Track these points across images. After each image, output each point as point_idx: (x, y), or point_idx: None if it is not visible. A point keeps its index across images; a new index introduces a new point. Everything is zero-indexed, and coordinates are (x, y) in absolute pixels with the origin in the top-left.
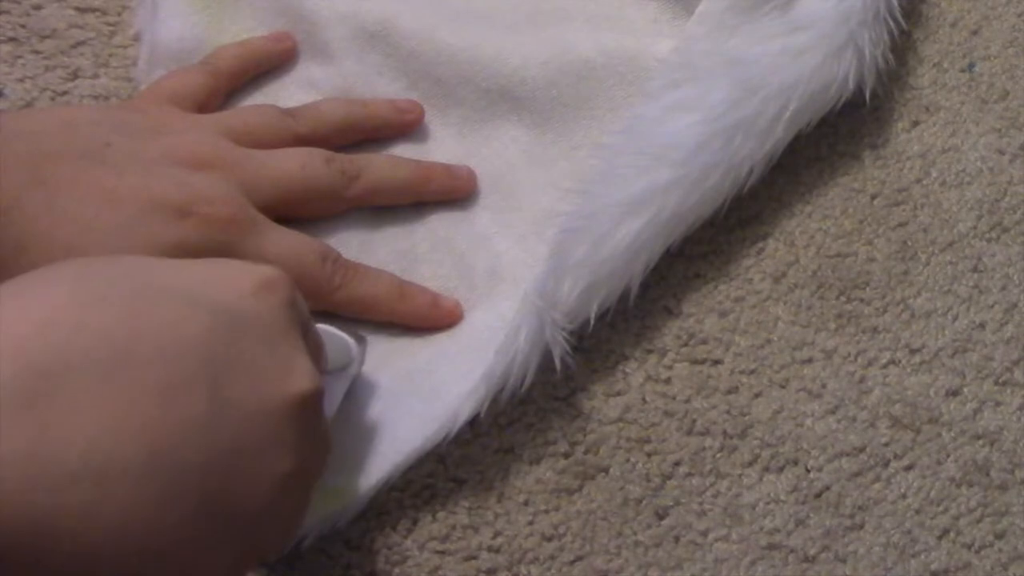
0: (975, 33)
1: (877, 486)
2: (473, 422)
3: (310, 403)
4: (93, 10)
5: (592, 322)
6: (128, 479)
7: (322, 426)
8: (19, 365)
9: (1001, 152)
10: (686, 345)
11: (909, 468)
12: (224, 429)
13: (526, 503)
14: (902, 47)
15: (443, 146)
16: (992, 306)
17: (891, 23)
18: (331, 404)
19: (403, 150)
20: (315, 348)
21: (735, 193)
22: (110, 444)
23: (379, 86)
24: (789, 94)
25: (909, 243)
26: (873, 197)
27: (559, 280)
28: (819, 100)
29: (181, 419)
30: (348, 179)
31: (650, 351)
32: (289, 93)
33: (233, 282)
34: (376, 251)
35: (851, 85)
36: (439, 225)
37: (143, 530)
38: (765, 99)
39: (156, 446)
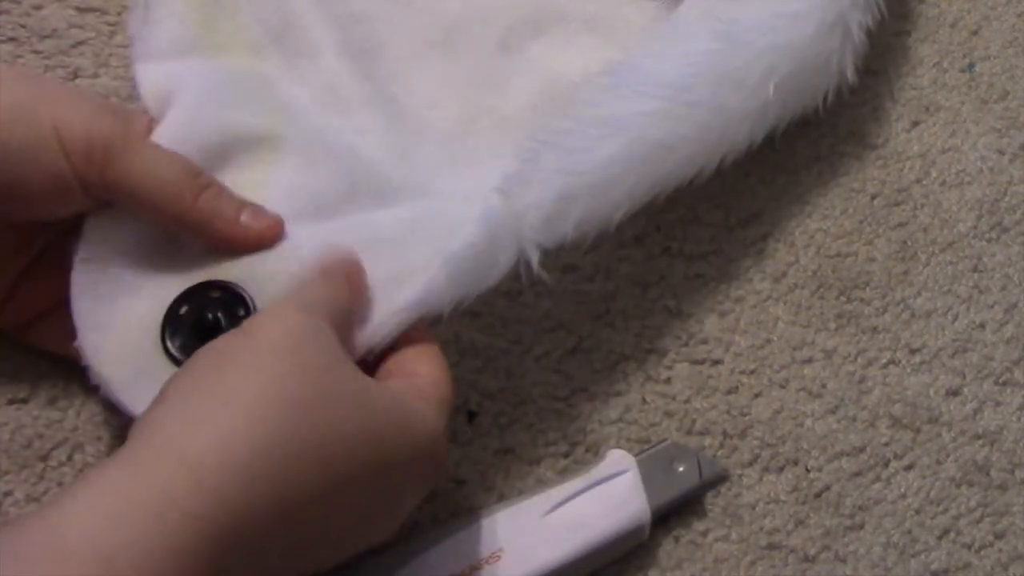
0: (975, 33)
1: (877, 486)
2: (473, 422)
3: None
4: (93, 10)
5: (569, 236)
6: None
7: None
8: (271, 436)
9: (1001, 152)
10: (686, 345)
11: (909, 468)
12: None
13: None
14: (903, 47)
15: (423, 152)
16: (992, 306)
17: (876, 11)
18: None
19: (391, 147)
20: None
21: (730, 153)
22: (315, 488)
23: (363, 90)
24: (779, 56)
25: (909, 243)
26: (873, 197)
27: (528, 183)
28: (807, 71)
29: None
30: None
31: (650, 351)
32: (285, 88)
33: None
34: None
35: (834, 63)
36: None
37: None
38: (753, 55)
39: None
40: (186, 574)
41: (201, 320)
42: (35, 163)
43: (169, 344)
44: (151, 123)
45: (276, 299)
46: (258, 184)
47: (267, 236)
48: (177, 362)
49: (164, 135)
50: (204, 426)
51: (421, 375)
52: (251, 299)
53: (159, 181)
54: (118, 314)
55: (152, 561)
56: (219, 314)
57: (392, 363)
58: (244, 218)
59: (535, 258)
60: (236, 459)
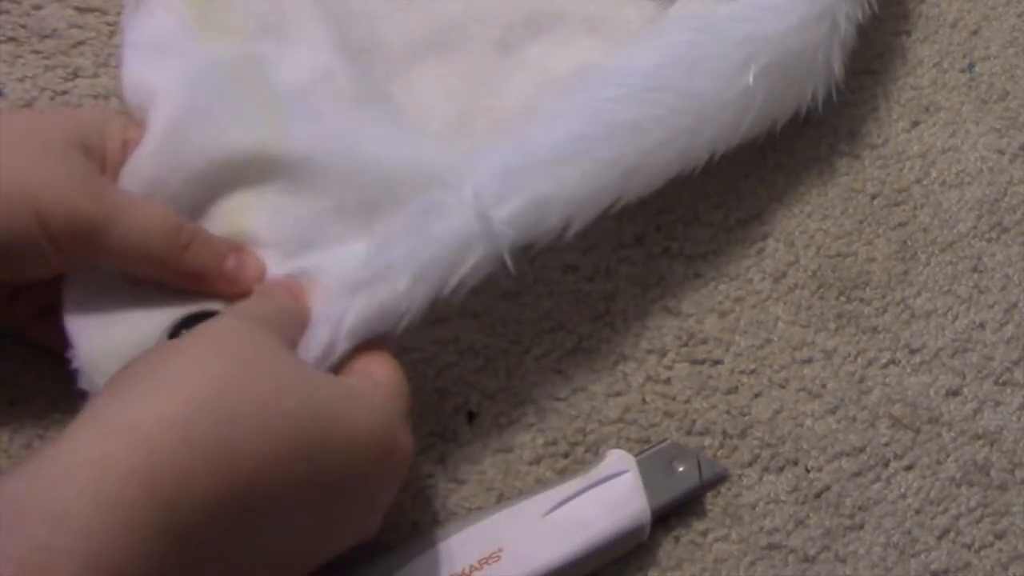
0: (975, 33)
1: (877, 486)
2: (473, 422)
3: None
4: (93, 10)
5: (526, 214)
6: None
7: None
8: (204, 402)
9: (1001, 152)
10: (686, 345)
11: (909, 468)
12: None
13: None
14: (902, 47)
15: (417, 152)
16: (992, 306)
17: (866, 6)
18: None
19: (385, 150)
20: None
21: (718, 142)
22: (266, 468)
23: (360, 90)
24: (758, 46)
25: (909, 243)
26: (873, 197)
27: (476, 167)
28: (791, 63)
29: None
30: None
31: (650, 351)
32: (280, 73)
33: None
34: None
35: (820, 56)
36: None
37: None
38: (730, 44)
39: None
40: (134, 530)
41: None
42: (19, 245)
43: None
44: (127, 127)
45: None
46: (247, 209)
47: (251, 283)
48: None
49: (147, 165)
50: (140, 403)
51: (374, 373)
52: None
53: (143, 250)
54: (117, 329)
55: (101, 515)
56: None
57: (346, 368)
58: (229, 265)
59: (505, 240)
60: (172, 419)
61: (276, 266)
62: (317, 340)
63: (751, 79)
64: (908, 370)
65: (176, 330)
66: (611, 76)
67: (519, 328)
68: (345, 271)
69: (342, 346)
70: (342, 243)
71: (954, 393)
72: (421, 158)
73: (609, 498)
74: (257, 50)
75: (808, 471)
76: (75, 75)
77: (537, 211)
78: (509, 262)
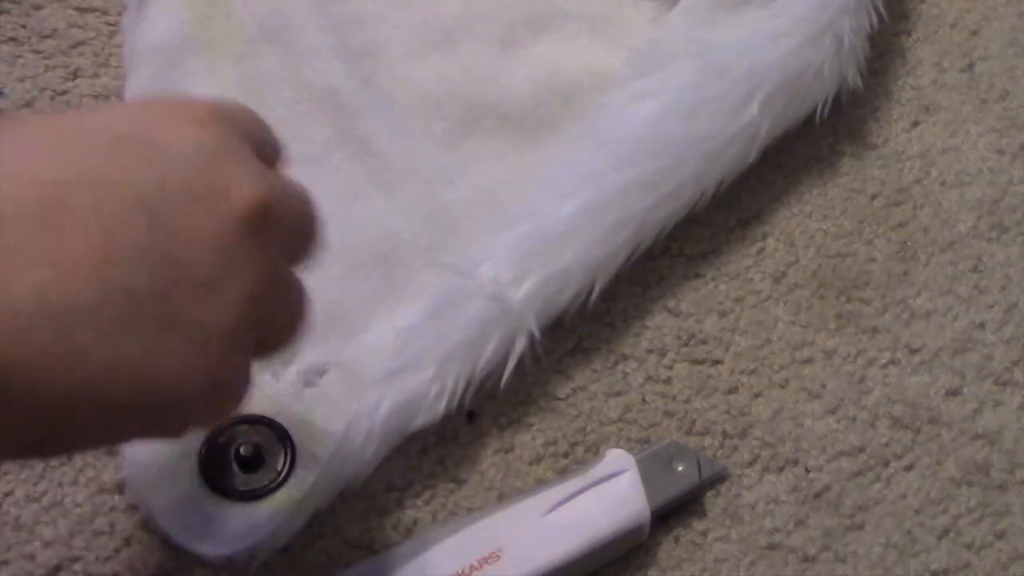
0: (975, 33)
1: (877, 486)
2: (473, 422)
3: (259, 212)
4: (93, 10)
5: (535, 292)
6: (82, 314)
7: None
8: None
9: (1001, 152)
10: (686, 345)
11: (909, 468)
12: (171, 256)
13: None
14: (903, 47)
15: (428, 154)
16: (992, 306)
17: (873, 14)
18: None
19: (389, 160)
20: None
21: (727, 173)
22: (58, 284)
23: (363, 95)
24: (762, 76)
25: (909, 243)
26: (873, 197)
27: (488, 250)
28: (795, 85)
29: (125, 252)
30: None
31: (650, 351)
32: (278, 92)
33: (165, 118)
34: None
35: (826, 72)
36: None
37: (106, 359)
38: (733, 80)
39: (103, 280)
40: None
41: (239, 451)
42: None
43: (208, 472)
44: None
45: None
46: None
47: None
48: (217, 490)
49: None
50: None
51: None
52: (292, 436)
53: None
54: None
55: None
56: (260, 445)
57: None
58: None
59: (532, 327)
60: None
61: (314, 356)
62: (358, 431)
63: (756, 110)
64: (908, 370)
65: (219, 433)
66: (611, 133)
67: None
68: (375, 361)
69: (379, 432)
70: (373, 308)
71: (954, 393)
72: (417, 215)
73: (609, 498)
74: (257, 68)
75: (808, 471)
76: (75, 75)
77: (555, 285)
78: (537, 334)
